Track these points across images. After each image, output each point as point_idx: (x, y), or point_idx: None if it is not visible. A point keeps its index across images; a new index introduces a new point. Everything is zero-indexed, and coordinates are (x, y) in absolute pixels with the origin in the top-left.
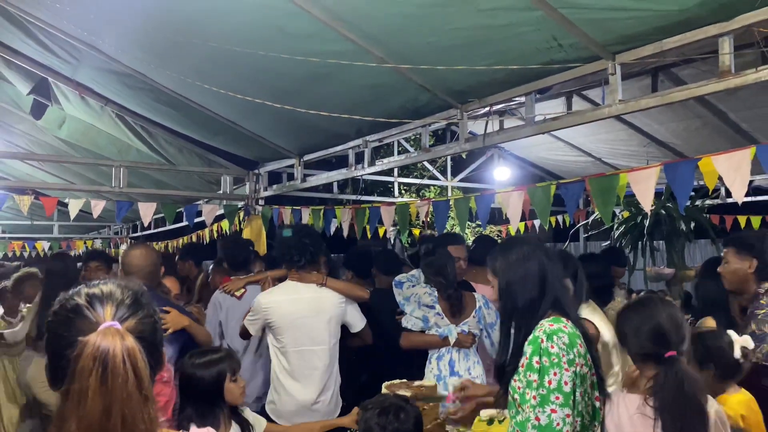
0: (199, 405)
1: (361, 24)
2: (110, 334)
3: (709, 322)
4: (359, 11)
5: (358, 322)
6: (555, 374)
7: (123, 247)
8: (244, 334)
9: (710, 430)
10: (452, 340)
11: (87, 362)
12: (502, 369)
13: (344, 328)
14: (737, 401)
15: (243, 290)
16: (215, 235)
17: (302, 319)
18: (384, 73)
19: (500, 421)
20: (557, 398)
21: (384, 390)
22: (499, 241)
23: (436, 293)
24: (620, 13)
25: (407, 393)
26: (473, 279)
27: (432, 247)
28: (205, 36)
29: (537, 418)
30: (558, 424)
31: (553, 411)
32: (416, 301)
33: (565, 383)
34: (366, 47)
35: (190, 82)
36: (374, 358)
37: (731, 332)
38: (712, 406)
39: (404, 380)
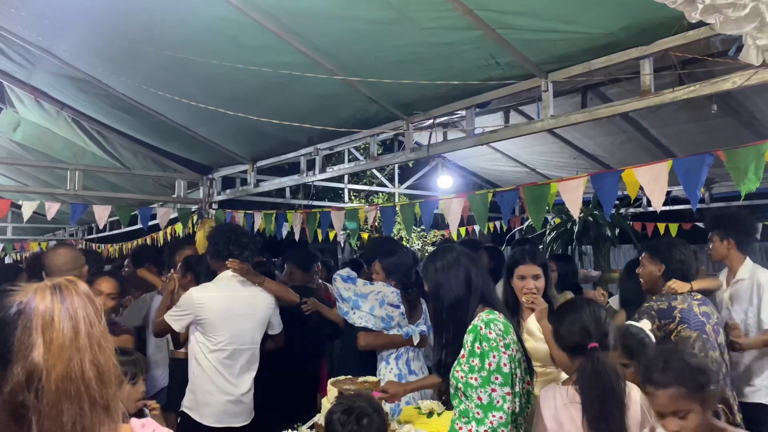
0: None
1: (312, 37)
2: (59, 281)
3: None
4: (310, 25)
5: (277, 325)
6: (494, 357)
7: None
8: (163, 332)
9: (630, 413)
10: (416, 339)
11: (44, 299)
12: (440, 363)
13: None
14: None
15: None
16: (168, 237)
17: (237, 317)
18: (334, 85)
19: (439, 414)
20: (497, 378)
21: (329, 386)
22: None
23: (399, 293)
24: (552, 34)
25: (353, 388)
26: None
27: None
28: (159, 44)
29: (479, 398)
30: (498, 402)
31: (493, 390)
32: (377, 299)
33: (504, 365)
34: (317, 59)
35: (146, 89)
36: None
37: (634, 322)
38: (637, 393)
39: (349, 376)
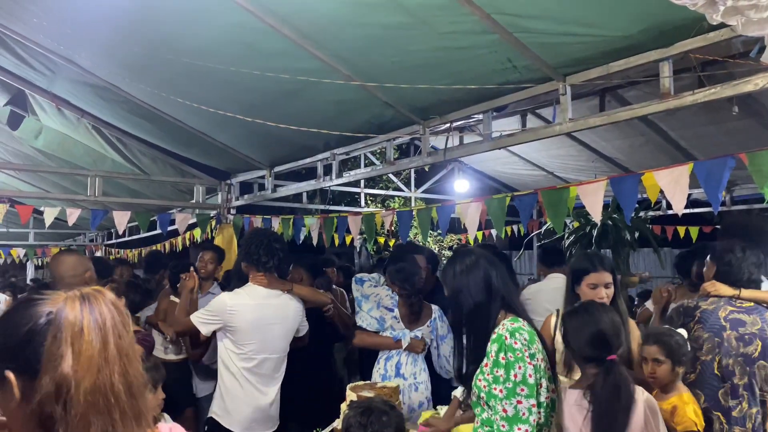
0: None
1: (329, 43)
2: (87, 291)
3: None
4: (327, 31)
5: (304, 328)
6: (520, 368)
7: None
8: (186, 332)
9: (635, 418)
10: (405, 343)
11: (74, 309)
12: (461, 371)
13: None
14: (689, 394)
15: None
16: (187, 242)
17: (268, 326)
18: (351, 90)
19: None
20: (522, 390)
21: (348, 391)
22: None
23: (396, 297)
24: (570, 38)
25: (370, 394)
26: None
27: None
28: (178, 51)
29: (504, 410)
30: (524, 414)
31: (519, 402)
32: (376, 301)
33: (530, 376)
34: (333, 65)
35: (165, 96)
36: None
37: (681, 330)
38: (641, 395)
39: (368, 382)
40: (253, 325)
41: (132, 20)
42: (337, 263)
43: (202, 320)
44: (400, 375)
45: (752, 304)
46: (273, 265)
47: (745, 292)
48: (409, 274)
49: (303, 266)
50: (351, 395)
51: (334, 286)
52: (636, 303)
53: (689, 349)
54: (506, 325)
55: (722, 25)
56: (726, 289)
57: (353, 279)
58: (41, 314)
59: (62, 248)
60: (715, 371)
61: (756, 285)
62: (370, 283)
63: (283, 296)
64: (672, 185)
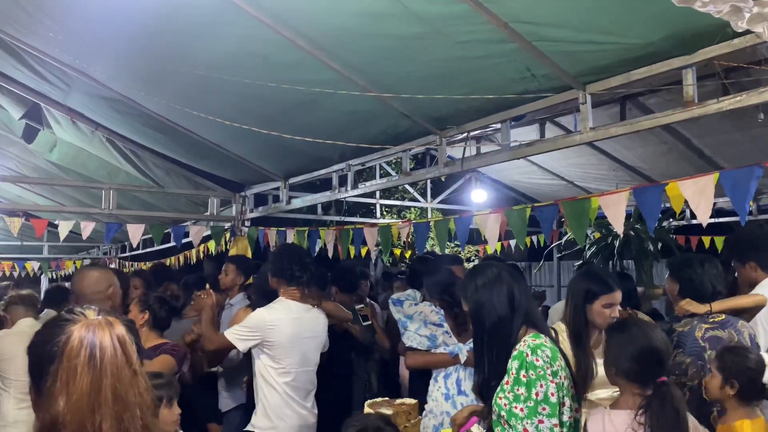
0: None
1: (344, 54)
2: (95, 322)
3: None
4: (341, 42)
5: (327, 342)
6: (541, 386)
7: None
8: (222, 349)
9: None
10: (463, 358)
11: (75, 343)
12: (482, 387)
13: None
14: (760, 427)
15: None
16: (201, 255)
17: (304, 340)
18: (366, 101)
19: None
20: (544, 409)
21: (366, 409)
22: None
23: (441, 312)
24: (590, 45)
25: (389, 411)
26: None
27: (433, 267)
28: (192, 63)
29: (525, 430)
30: None
31: (540, 422)
32: (421, 319)
33: (552, 394)
34: (348, 76)
35: (179, 108)
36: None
37: (765, 354)
38: (692, 421)
39: (386, 398)
40: (291, 339)
41: (147, 33)
42: (366, 275)
43: (239, 336)
44: (463, 392)
45: (724, 316)
46: (306, 280)
47: (716, 305)
48: (448, 286)
49: (336, 282)
50: (369, 412)
51: (368, 300)
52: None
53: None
54: (527, 342)
55: (747, 32)
56: (698, 306)
57: (389, 301)
58: (55, 337)
59: (81, 261)
60: (704, 395)
61: (722, 296)
62: (409, 302)
63: (313, 310)
64: (697, 196)
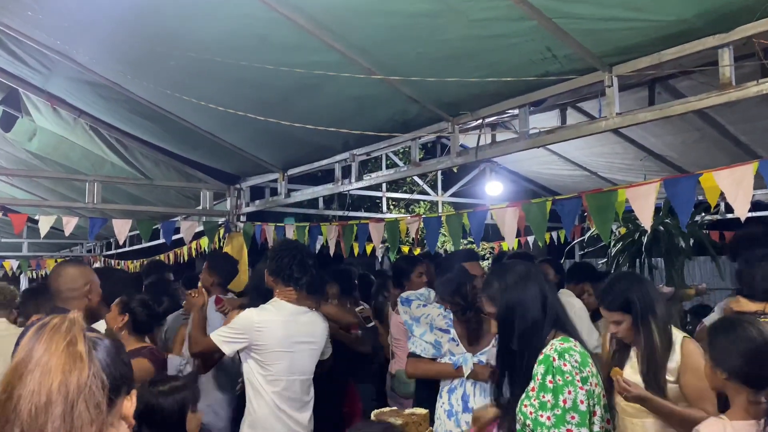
0: None
1: (348, 34)
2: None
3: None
4: (345, 21)
5: (329, 349)
6: (569, 392)
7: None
8: (206, 352)
9: None
10: (467, 370)
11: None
12: (509, 404)
13: None
14: None
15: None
16: (193, 253)
17: (296, 345)
18: (372, 85)
19: None
20: (573, 418)
21: (373, 418)
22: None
23: (451, 316)
24: (617, 23)
25: (398, 421)
26: None
27: (445, 264)
28: (184, 45)
29: None
30: None
31: (568, 431)
32: (428, 323)
33: (581, 402)
34: (353, 57)
35: (169, 93)
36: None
37: None
38: None
39: (394, 408)
40: (281, 343)
41: (134, 12)
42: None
43: (225, 339)
44: (469, 410)
45: None
46: (305, 282)
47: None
48: (459, 285)
49: (337, 281)
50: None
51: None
52: (689, 320)
53: None
54: (555, 345)
55: None
56: (750, 305)
57: (398, 300)
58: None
59: (63, 259)
60: None
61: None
62: (418, 302)
63: (309, 313)
64: (734, 187)
